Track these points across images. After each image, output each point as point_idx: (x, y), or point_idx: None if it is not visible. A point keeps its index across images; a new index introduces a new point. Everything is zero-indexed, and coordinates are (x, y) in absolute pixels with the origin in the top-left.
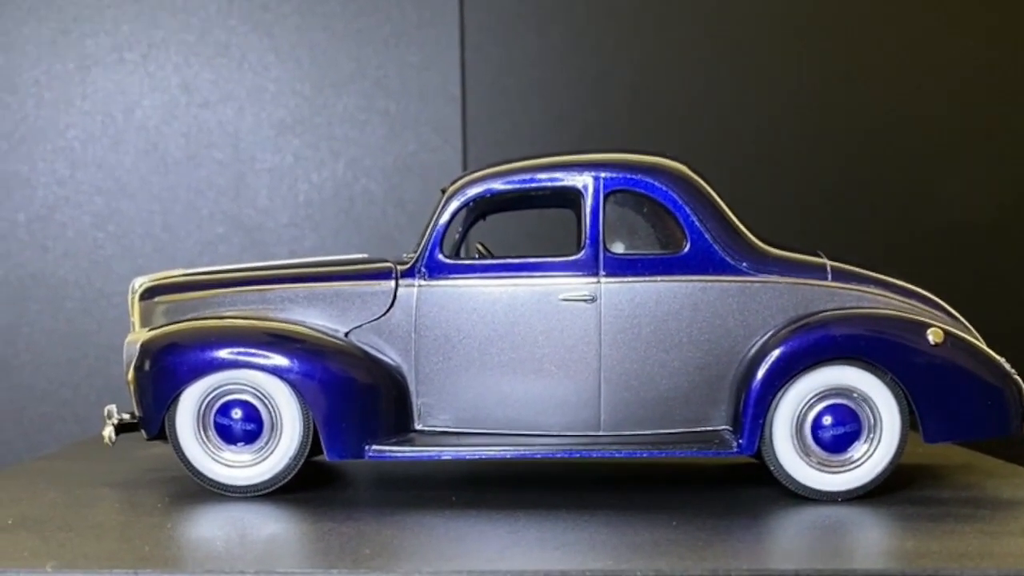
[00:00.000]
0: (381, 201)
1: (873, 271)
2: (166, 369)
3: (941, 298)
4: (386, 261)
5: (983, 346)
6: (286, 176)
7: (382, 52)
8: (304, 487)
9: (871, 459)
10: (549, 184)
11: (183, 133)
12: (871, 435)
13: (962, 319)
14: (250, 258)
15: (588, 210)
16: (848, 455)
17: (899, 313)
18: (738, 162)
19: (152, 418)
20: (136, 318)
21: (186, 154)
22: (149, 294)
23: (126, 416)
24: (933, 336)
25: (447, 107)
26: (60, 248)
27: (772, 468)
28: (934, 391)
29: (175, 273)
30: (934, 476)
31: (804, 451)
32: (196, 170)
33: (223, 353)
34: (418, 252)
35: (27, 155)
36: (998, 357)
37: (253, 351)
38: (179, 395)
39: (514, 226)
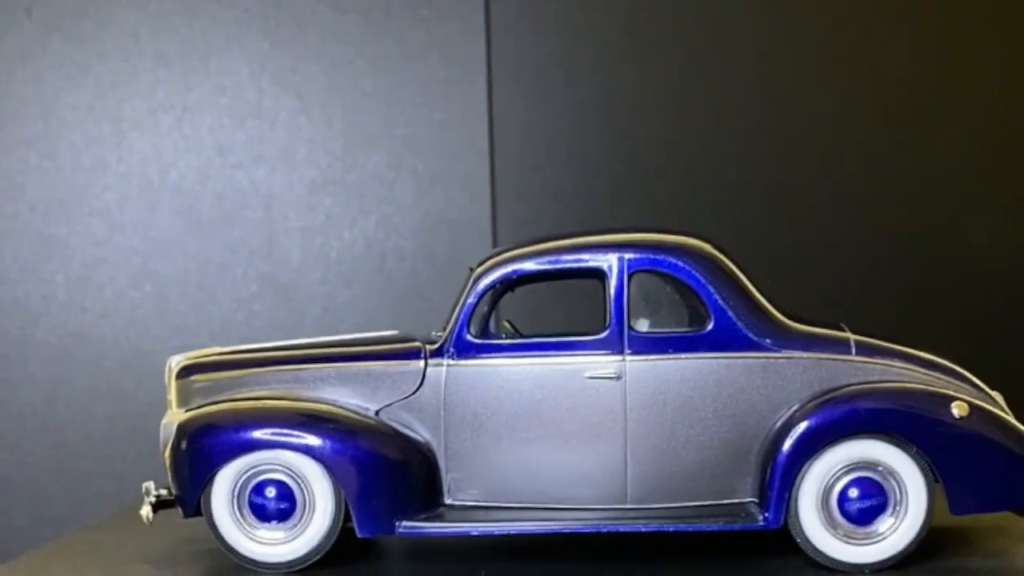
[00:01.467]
0: (411, 257)
1: (897, 343)
2: (201, 451)
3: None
4: (415, 340)
5: (1010, 418)
6: (318, 234)
7: (409, 110)
8: (336, 560)
9: (897, 532)
10: (574, 265)
11: (217, 193)
12: (898, 508)
13: (988, 391)
14: (283, 316)
15: (612, 290)
16: (875, 528)
17: (924, 386)
18: (770, 216)
19: (188, 498)
20: (173, 396)
21: (220, 214)
22: (185, 373)
23: (163, 492)
24: (958, 409)
25: (475, 163)
26: (98, 308)
27: (799, 540)
28: (960, 464)
29: (211, 352)
30: (963, 540)
31: (830, 524)
32: (230, 230)
33: (256, 434)
34: (446, 332)
35: (65, 218)
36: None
37: (286, 431)
38: (214, 475)
39: (541, 294)
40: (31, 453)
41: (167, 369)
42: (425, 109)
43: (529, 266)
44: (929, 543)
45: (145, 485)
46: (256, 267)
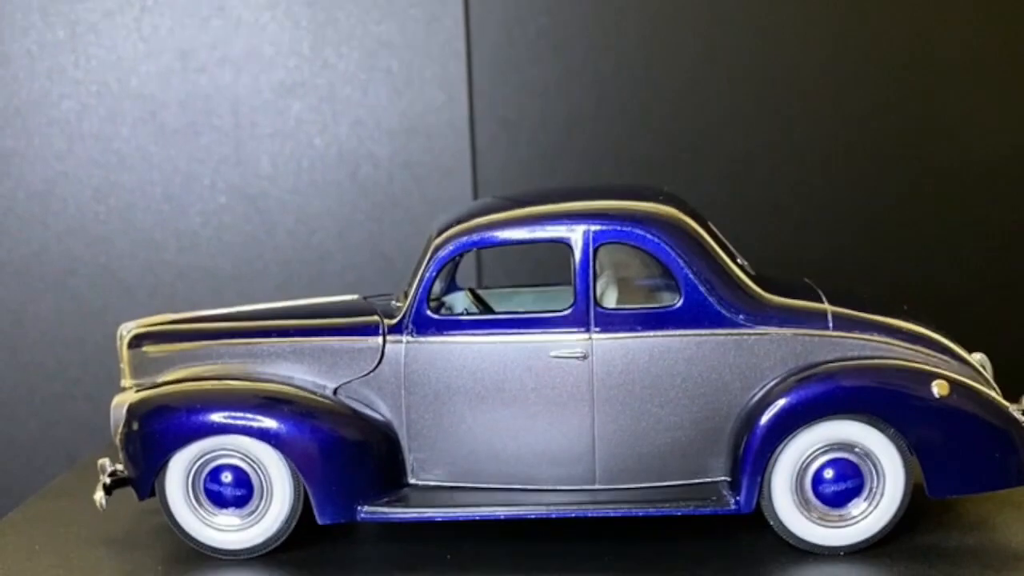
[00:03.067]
0: (387, 164)
1: (876, 311)
2: (153, 436)
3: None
4: (374, 314)
5: (992, 393)
6: (288, 141)
7: (382, 6)
8: (299, 542)
9: (873, 514)
10: (537, 235)
11: (180, 100)
12: (874, 490)
13: (971, 360)
14: (254, 228)
15: (578, 264)
16: (850, 510)
17: (903, 363)
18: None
19: (142, 483)
20: (125, 365)
21: (184, 122)
22: (137, 342)
23: (119, 468)
24: (938, 388)
25: (452, 62)
26: (62, 225)
27: (771, 522)
28: (939, 446)
29: (163, 319)
30: (941, 516)
31: (804, 506)
32: (196, 138)
33: (210, 419)
34: (405, 306)
35: (23, 130)
36: (1007, 404)
37: (240, 416)
38: (167, 461)
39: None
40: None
41: (118, 337)
42: (399, 4)
43: (489, 236)
44: (905, 519)
45: (100, 462)
46: (224, 177)
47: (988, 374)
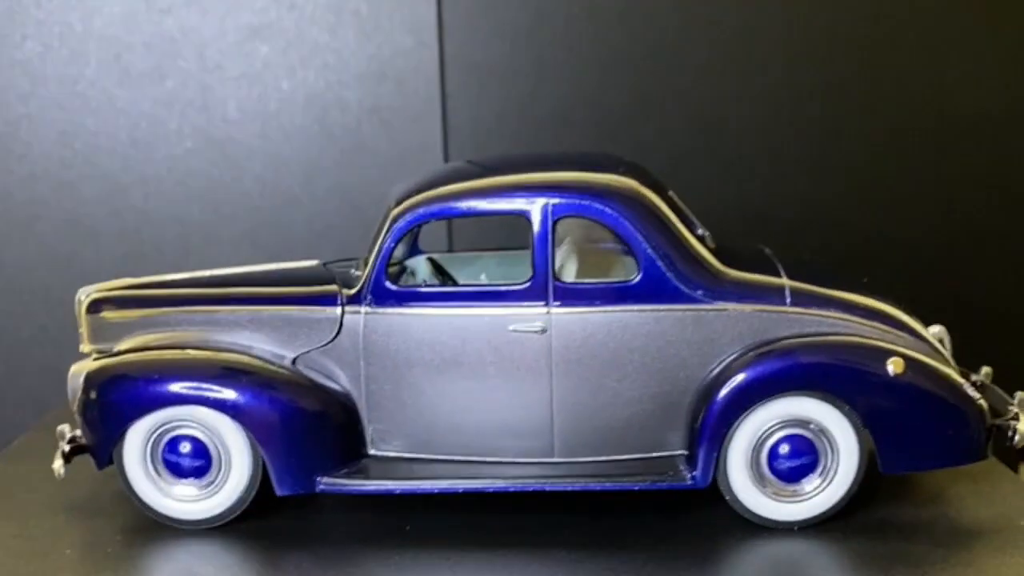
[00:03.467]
0: (355, 108)
1: (836, 288)
2: (110, 405)
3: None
4: (332, 283)
5: (948, 370)
6: (255, 85)
7: None
8: (258, 512)
9: (827, 490)
10: (496, 207)
11: (145, 42)
12: (828, 466)
13: (927, 335)
14: (221, 173)
15: (536, 237)
16: (804, 486)
17: (859, 340)
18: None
19: (100, 452)
20: (84, 330)
21: (149, 64)
22: (95, 307)
23: (79, 435)
24: (894, 366)
25: (422, 6)
26: (25, 169)
27: (727, 497)
28: (892, 424)
29: (122, 284)
30: (894, 489)
31: (760, 481)
32: (161, 82)
33: (168, 388)
34: (364, 275)
35: None
36: (962, 380)
37: (198, 385)
38: (125, 431)
39: None
40: None
41: (77, 302)
42: None
43: (447, 207)
44: (859, 492)
45: (60, 429)
46: (190, 121)
47: (947, 348)
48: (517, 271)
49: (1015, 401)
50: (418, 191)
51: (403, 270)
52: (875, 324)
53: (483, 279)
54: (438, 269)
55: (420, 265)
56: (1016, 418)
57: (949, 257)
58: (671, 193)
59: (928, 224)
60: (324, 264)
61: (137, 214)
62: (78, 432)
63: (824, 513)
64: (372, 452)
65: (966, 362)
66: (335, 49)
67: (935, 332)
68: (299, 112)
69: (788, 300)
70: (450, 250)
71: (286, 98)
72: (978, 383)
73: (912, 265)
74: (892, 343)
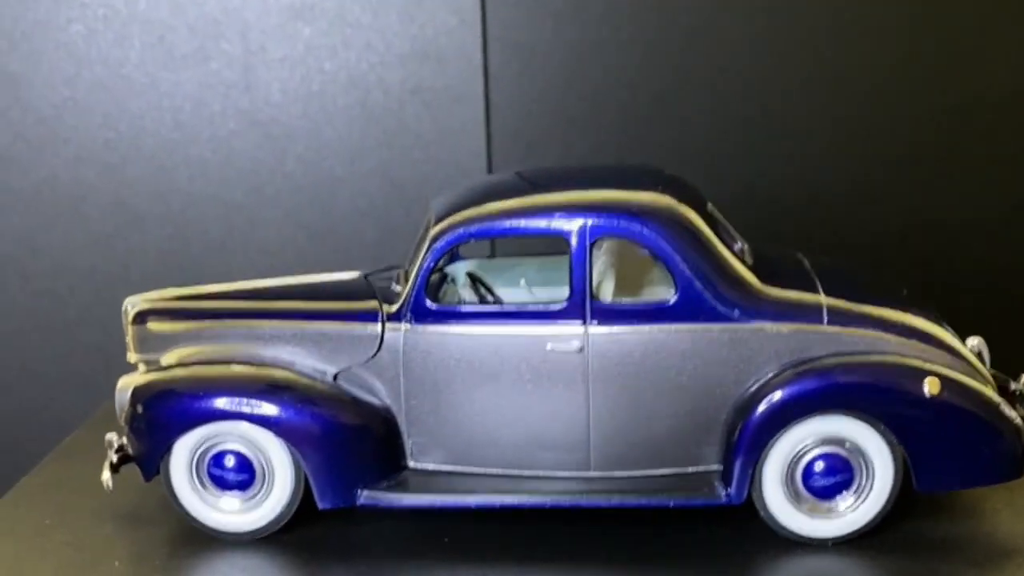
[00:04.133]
0: (397, 90)
1: (874, 302)
2: (158, 420)
3: None
4: (373, 298)
5: (984, 389)
6: (298, 66)
7: None
8: (301, 523)
9: (862, 507)
10: (534, 228)
11: (188, 25)
12: (863, 484)
13: (967, 354)
14: (264, 155)
15: (574, 258)
16: (838, 503)
17: (896, 360)
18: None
19: (148, 465)
20: (130, 340)
21: (193, 47)
22: (141, 319)
23: (126, 442)
24: (930, 386)
25: None
26: (71, 152)
27: (761, 513)
28: (928, 443)
29: (167, 295)
30: (931, 498)
31: (795, 498)
32: (205, 64)
33: (213, 405)
34: (404, 294)
35: (29, 53)
36: (999, 399)
37: (242, 402)
38: (172, 445)
39: None
40: (11, 304)
41: (123, 312)
42: None
43: (485, 228)
44: (893, 508)
45: (108, 437)
46: (234, 103)
47: (985, 359)
48: (556, 276)
49: None
50: (458, 208)
51: (444, 277)
52: (912, 342)
53: (522, 284)
54: (476, 282)
55: (461, 269)
56: None
57: (991, 252)
58: (710, 207)
59: (961, 217)
60: (365, 276)
61: (182, 196)
62: (125, 440)
63: (858, 530)
64: (411, 465)
65: (1006, 366)
66: (377, 29)
67: (973, 345)
68: (341, 93)
69: (825, 319)
70: (492, 255)
71: (328, 79)
72: (1017, 392)
73: (949, 254)
74: (929, 361)
